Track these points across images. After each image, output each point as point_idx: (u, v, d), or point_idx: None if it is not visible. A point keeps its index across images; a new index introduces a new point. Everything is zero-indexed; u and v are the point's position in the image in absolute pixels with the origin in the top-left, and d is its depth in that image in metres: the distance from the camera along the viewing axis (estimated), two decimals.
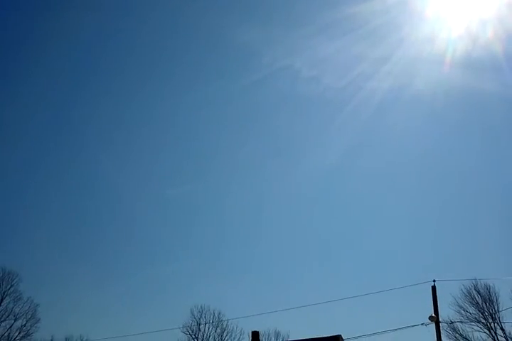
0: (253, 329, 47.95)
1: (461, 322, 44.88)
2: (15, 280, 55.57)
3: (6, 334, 53.33)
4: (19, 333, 53.86)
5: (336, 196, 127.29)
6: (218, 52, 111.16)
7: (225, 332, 64.08)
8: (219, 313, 65.27)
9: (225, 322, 64.00)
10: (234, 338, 63.14)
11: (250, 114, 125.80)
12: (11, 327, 53.73)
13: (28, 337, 54.82)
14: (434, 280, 24.64)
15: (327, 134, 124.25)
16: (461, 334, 46.39)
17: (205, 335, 64.17)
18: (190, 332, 63.95)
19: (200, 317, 64.66)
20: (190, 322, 64.12)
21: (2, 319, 53.94)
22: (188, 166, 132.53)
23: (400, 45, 67.52)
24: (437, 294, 24.38)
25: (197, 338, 63.81)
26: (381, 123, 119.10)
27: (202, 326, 64.26)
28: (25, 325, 54.32)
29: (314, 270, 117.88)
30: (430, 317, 23.75)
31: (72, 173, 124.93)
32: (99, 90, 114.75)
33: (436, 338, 23.85)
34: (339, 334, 41.72)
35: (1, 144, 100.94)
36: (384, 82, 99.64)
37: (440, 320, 23.94)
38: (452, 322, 41.88)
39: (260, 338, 48.49)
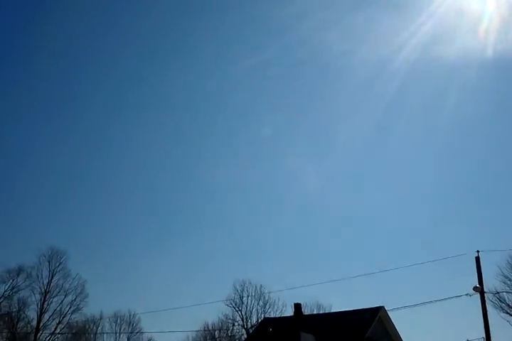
0: (295, 302, 48.57)
1: (507, 292, 44.38)
2: (63, 258, 57.65)
3: (58, 308, 55.45)
4: (70, 308, 55.98)
5: (374, 169, 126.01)
6: (254, 26, 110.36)
7: (268, 304, 65.09)
8: (261, 286, 66.33)
9: (267, 294, 64.99)
10: (276, 310, 64.10)
11: (285, 87, 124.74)
12: (62, 302, 55.84)
13: (79, 312, 57.03)
14: (477, 251, 24.23)
15: (360, 107, 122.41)
16: (507, 304, 45.92)
17: (248, 308, 65.36)
18: (234, 304, 65.26)
19: (243, 290, 65.82)
20: (233, 295, 65.36)
21: (53, 295, 56.08)
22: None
23: (431, 17, 65.47)
24: (482, 265, 24.00)
25: (240, 310, 65.10)
26: (412, 95, 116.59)
27: (245, 299, 65.43)
28: (75, 300, 56.42)
29: (356, 242, 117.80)
30: (475, 288, 23.45)
31: (125, 164, 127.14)
32: None
33: (481, 308, 23.54)
34: (382, 305, 41.78)
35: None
36: (416, 53, 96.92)
37: (485, 290, 23.59)
38: (498, 293, 41.46)
39: (302, 310, 48.96)
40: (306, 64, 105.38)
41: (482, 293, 23.51)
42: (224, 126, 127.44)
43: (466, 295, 23.47)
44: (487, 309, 23.40)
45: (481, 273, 24.03)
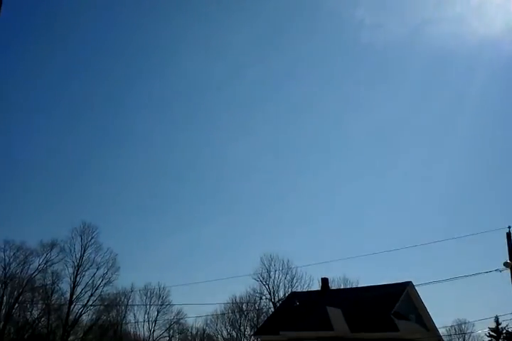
0: (322, 276, 48.77)
1: None
2: (95, 233, 58.77)
3: (90, 281, 56.77)
4: (102, 281, 57.28)
5: (404, 141, 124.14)
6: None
7: (295, 278, 65.56)
8: (288, 261, 66.75)
9: (295, 269, 65.40)
10: (303, 285, 64.59)
11: (313, 61, 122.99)
12: (94, 275, 57.12)
13: (110, 284, 58.36)
14: (509, 227, 23.77)
15: (391, 81, 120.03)
16: None
17: (275, 282, 65.96)
18: (261, 279, 65.94)
19: (270, 264, 66.34)
20: (261, 269, 65.94)
21: (86, 268, 57.37)
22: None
23: None
24: None
25: (267, 284, 65.77)
26: (444, 70, 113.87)
27: (272, 273, 65.96)
28: (106, 273, 57.69)
29: (385, 217, 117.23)
30: (505, 264, 23.05)
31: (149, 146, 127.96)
32: None
33: (511, 284, 23.20)
34: (409, 280, 41.63)
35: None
36: (448, 27, 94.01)
37: None
38: None
39: (329, 284, 49.20)
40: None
41: None
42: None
43: (496, 270, 23.10)
44: None
45: (511, 249, 23.62)
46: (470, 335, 73.17)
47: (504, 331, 59.96)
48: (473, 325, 70.32)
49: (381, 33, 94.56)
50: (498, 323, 59.59)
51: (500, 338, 60.29)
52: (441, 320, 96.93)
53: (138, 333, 70.53)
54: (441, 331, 47.72)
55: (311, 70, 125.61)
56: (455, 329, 69.45)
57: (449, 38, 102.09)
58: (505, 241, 23.76)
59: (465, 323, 67.06)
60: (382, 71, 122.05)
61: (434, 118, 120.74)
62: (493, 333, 60.57)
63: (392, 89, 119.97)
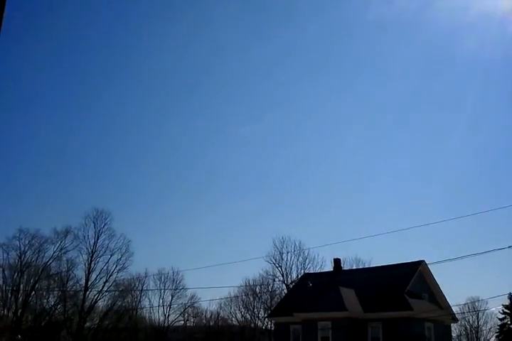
0: (335, 257, 48.85)
1: None
2: (108, 219, 58.98)
3: (104, 267, 57.19)
4: (116, 267, 57.65)
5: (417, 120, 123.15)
6: None
7: (307, 260, 65.74)
8: (300, 243, 66.89)
9: (307, 250, 65.54)
10: (316, 266, 64.76)
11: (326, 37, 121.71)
12: (108, 261, 57.51)
13: (124, 270, 58.76)
14: None
15: (399, 59, 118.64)
16: None
17: (287, 264, 66.18)
18: (274, 261, 66.16)
19: (282, 246, 66.50)
20: (273, 251, 66.14)
21: (100, 254, 57.76)
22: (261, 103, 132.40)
23: None
24: None
25: (280, 266, 66.01)
26: (452, 46, 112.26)
27: (284, 255, 66.13)
28: (120, 259, 58.00)
29: (395, 197, 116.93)
30: None
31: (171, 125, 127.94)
32: None
33: None
34: (422, 259, 41.58)
35: None
36: (457, 2, 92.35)
37: None
38: None
39: (342, 265, 49.30)
40: None
41: None
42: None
43: (509, 247, 22.98)
44: None
45: None
46: (484, 313, 73.36)
47: None
48: (487, 303, 70.46)
49: (389, 10, 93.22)
50: (511, 300, 59.66)
51: None
52: (455, 298, 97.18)
53: (153, 318, 71.41)
54: (455, 309, 47.82)
55: (315, 47, 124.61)
56: (468, 307, 69.61)
57: (459, 13, 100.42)
58: None
59: (478, 301, 67.13)
60: (389, 48, 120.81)
61: (440, 96, 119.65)
62: (506, 310, 60.69)
63: (398, 67, 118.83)
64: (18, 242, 57.64)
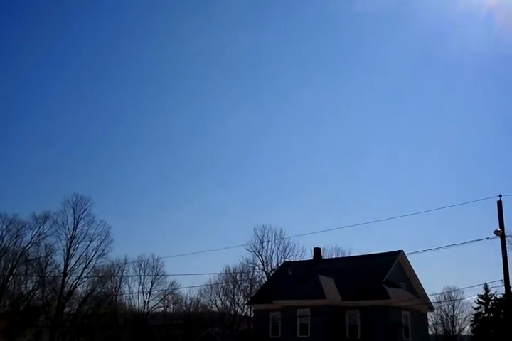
0: (315, 246, 49.23)
1: None
2: (88, 205, 58.31)
3: (83, 253, 56.77)
4: (95, 253, 57.24)
5: (404, 106, 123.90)
6: None
7: (287, 249, 66.12)
8: (280, 231, 67.21)
9: (287, 239, 65.90)
10: (296, 255, 65.17)
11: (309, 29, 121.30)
12: (87, 247, 57.08)
13: (104, 256, 58.32)
14: (500, 195, 23.89)
15: (386, 51, 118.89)
16: None
17: (268, 252, 66.49)
18: (254, 249, 66.43)
19: (263, 235, 66.77)
20: (254, 240, 66.38)
21: (79, 240, 57.28)
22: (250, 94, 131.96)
23: None
24: (504, 209, 23.73)
25: (260, 255, 66.31)
26: (441, 37, 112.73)
27: (265, 243, 66.42)
28: (100, 245, 57.54)
29: (376, 186, 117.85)
30: (495, 232, 23.26)
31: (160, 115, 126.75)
32: None
33: (501, 252, 23.49)
34: (400, 249, 42.11)
35: None
36: None
37: (506, 234, 23.43)
38: None
39: (322, 254, 49.72)
40: None
41: (503, 237, 23.36)
42: None
43: (487, 239, 23.27)
44: (507, 253, 23.27)
45: (502, 217, 23.76)
46: (459, 302, 74.77)
47: (493, 298, 61.26)
48: (463, 292, 71.75)
49: (374, 1, 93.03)
50: (487, 290, 60.92)
51: (488, 305, 61.65)
52: (432, 287, 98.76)
53: (133, 304, 71.50)
54: (431, 298, 48.64)
55: (303, 39, 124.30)
56: (444, 296, 70.83)
57: (446, 4, 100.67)
58: (496, 210, 23.94)
59: (454, 290, 68.28)
60: (376, 39, 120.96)
61: (430, 86, 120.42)
62: (482, 300, 61.90)
63: (384, 58, 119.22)
64: None
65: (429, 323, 60.96)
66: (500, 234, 23.22)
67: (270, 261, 65.98)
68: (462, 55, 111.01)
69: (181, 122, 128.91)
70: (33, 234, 57.87)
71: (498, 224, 23.49)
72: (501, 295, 54.55)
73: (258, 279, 67.83)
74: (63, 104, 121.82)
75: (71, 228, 57.20)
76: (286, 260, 59.73)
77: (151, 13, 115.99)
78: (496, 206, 23.78)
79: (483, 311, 61.91)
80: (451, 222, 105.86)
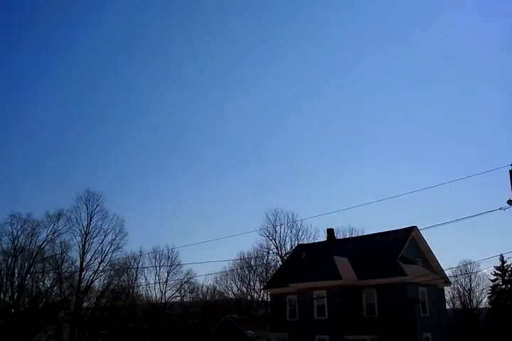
0: (328, 227, 49.08)
1: None
2: (100, 200, 58.33)
3: (99, 248, 56.97)
4: (110, 247, 57.38)
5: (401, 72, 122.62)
6: None
7: (300, 231, 66.08)
8: (293, 214, 67.14)
9: (300, 222, 65.82)
10: (309, 237, 65.13)
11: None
12: (102, 242, 57.24)
13: (119, 250, 58.51)
14: (511, 164, 23.45)
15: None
16: None
17: (281, 236, 66.51)
18: (267, 234, 66.44)
19: (276, 219, 66.72)
20: (267, 225, 66.37)
21: (93, 236, 57.43)
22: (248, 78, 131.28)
23: None
24: None
25: (274, 239, 66.33)
26: None
27: (278, 228, 66.39)
28: (114, 239, 57.65)
29: (385, 164, 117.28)
30: (509, 201, 22.85)
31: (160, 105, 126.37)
32: None
33: None
34: (414, 225, 41.85)
35: None
36: None
37: None
38: None
39: (335, 235, 49.57)
40: None
41: None
42: None
43: (500, 209, 22.86)
44: None
45: None
46: (476, 275, 74.58)
47: (509, 269, 60.99)
48: (479, 265, 71.58)
49: None
50: (503, 262, 60.61)
51: (505, 276, 61.40)
52: (447, 262, 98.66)
53: (150, 295, 71.86)
54: (447, 272, 48.46)
55: (303, 19, 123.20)
56: (461, 270, 70.58)
57: None
58: (509, 179, 23.51)
59: (470, 263, 68.10)
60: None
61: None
62: (498, 271, 61.66)
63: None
64: (10, 227, 57.25)
65: (447, 298, 60.83)
66: None
67: (284, 245, 66.06)
68: None
69: (187, 103, 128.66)
70: (48, 232, 58.14)
71: (511, 194, 23.11)
72: None
73: (273, 263, 68.00)
74: (75, 102, 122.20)
75: (85, 224, 57.37)
76: (300, 243, 59.69)
77: None
78: (509, 175, 23.40)
79: (500, 283, 61.69)
80: (464, 194, 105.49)
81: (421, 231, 41.30)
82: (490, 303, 64.28)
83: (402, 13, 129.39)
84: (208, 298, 77.43)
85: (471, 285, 77.07)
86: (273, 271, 63.30)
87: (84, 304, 57.24)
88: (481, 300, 75.86)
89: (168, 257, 69.87)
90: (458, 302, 77.94)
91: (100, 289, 59.12)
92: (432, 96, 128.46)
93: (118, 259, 61.55)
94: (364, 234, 57.63)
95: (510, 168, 23.03)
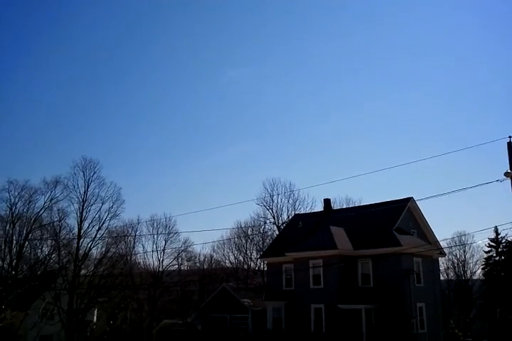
0: (325, 197, 49.19)
1: None
2: (97, 168, 57.98)
3: (96, 216, 56.99)
4: (108, 214, 57.34)
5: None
6: None
7: (297, 201, 66.19)
8: (290, 184, 67.16)
9: (297, 192, 65.86)
10: (306, 207, 65.24)
11: None
12: (99, 209, 57.21)
13: (116, 218, 58.50)
14: (510, 136, 23.25)
15: None
16: None
17: (278, 206, 66.64)
18: (265, 203, 66.56)
19: (273, 189, 66.75)
20: (264, 194, 66.43)
21: (91, 203, 57.30)
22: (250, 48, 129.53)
23: None
24: None
25: (271, 209, 66.48)
26: None
27: (275, 197, 66.45)
28: (112, 207, 57.56)
29: (383, 135, 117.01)
30: (505, 173, 22.75)
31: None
32: None
33: None
34: (410, 196, 41.96)
35: None
36: None
37: None
38: None
39: (332, 205, 49.71)
40: None
41: None
42: None
43: (497, 181, 22.74)
44: None
45: None
46: (470, 246, 75.15)
47: (503, 240, 61.46)
48: (473, 237, 72.06)
49: None
50: (497, 233, 60.96)
51: (499, 248, 61.91)
52: (443, 233, 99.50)
53: (147, 263, 72.39)
54: (442, 243, 48.89)
55: None
56: (455, 241, 71.13)
57: None
58: (506, 151, 23.35)
59: (465, 235, 68.55)
60: None
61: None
62: (492, 243, 62.14)
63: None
64: (7, 194, 57.14)
65: (441, 269, 61.50)
66: (511, 175, 22.74)
67: (281, 215, 66.23)
68: None
69: (188, 72, 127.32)
70: (45, 199, 58.03)
71: (508, 166, 22.99)
72: None
73: (270, 233, 68.35)
74: (72, 73, 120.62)
75: (82, 191, 57.12)
76: (297, 213, 59.90)
77: None
78: (506, 147, 23.23)
79: (494, 254, 62.20)
80: (461, 166, 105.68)
81: (417, 203, 41.57)
82: (483, 275, 64.95)
83: None
84: (205, 267, 78.20)
85: (465, 256, 77.77)
86: (270, 240, 63.71)
87: (82, 271, 57.65)
88: (475, 272, 76.69)
89: (166, 225, 70.13)
90: (452, 274, 78.81)
91: (98, 257, 59.52)
92: (429, 74, 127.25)
93: (116, 227, 61.76)
94: (361, 204, 57.89)
95: (508, 140, 22.97)
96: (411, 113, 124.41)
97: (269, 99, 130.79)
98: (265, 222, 67.39)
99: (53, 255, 58.64)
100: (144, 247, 71.65)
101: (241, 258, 74.07)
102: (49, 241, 59.30)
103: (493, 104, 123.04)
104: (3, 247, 56.01)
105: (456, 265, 78.50)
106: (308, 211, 60.83)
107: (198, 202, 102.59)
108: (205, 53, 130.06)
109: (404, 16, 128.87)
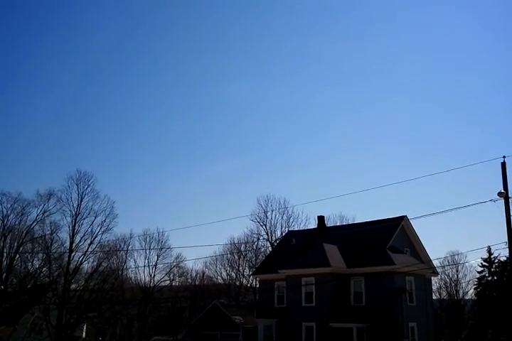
0: (319, 214, 49.14)
1: None
2: (91, 181, 57.77)
3: (89, 229, 56.61)
4: (100, 228, 56.93)
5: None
6: None
7: (291, 218, 66.08)
8: (284, 201, 67.12)
9: (291, 209, 65.78)
10: (300, 223, 65.13)
11: None
12: (92, 223, 56.84)
13: (109, 231, 58.10)
14: (504, 157, 23.49)
15: None
16: None
17: (272, 222, 66.48)
18: (258, 219, 66.41)
19: (267, 205, 66.67)
20: (258, 210, 66.30)
21: (84, 216, 56.92)
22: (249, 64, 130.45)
23: None
24: (509, 170, 23.37)
25: (265, 225, 66.31)
26: None
27: (269, 213, 66.33)
28: (105, 221, 57.18)
29: (378, 152, 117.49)
30: (499, 193, 22.95)
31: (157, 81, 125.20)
32: None
33: (505, 214, 23.22)
34: (404, 215, 41.98)
35: None
36: None
37: (510, 195, 23.09)
38: None
39: (325, 222, 49.63)
40: None
41: (507, 199, 23.02)
42: None
43: (491, 201, 22.94)
44: (511, 214, 22.92)
45: (506, 179, 23.43)
46: (463, 266, 75.10)
47: (496, 260, 61.38)
48: (466, 256, 72.00)
49: None
50: (490, 253, 60.89)
51: (492, 267, 61.81)
52: (436, 252, 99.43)
53: (139, 278, 71.82)
54: (435, 263, 48.82)
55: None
56: (448, 260, 71.05)
57: None
58: (500, 171, 23.59)
59: (458, 254, 68.58)
60: None
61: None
62: (485, 263, 62.05)
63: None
64: (0, 206, 56.94)
65: (433, 288, 61.28)
66: (504, 195, 22.90)
67: (274, 231, 66.06)
68: None
69: (182, 97, 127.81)
70: (38, 211, 57.77)
71: (502, 186, 23.18)
72: (505, 258, 54.68)
73: (263, 249, 68.07)
74: (69, 83, 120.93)
75: (75, 204, 56.79)
76: (290, 229, 59.74)
77: None
78: (500, 168, 23.46)
79: (487, 274, 62.07)
80: (455, 185, 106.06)
81: (411, 221, 41.57)
82: (476, 295, 64.73)
83: None
84: (196, 283, 77.59)
85: (458, 276, 77.69)
86: (263, 256, 63.40)
87: (73, 286, 57.09)
88: (467, 291, 76.53)
89: (159, 240, 69.82)
90: (444, 293, 78.59)
91: (89, 271, 59.02)
92: (428, 89, 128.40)
93: (108, 241, 61.33)
94: (355, 222, 57.87)
95: (502, 160, 23.19)
96: (410, 117, 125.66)
97: (270, 108, 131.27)
98: (258, 239, 67.21)
99: (44, 268, 58.08)
100: (135, 262, 71.14)
101: (233, 274, 73.64)
102: (40, 255, 58.79)
103: (495, 109, 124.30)
104: None
105: (448, 284, 78.34)
106: (302, 228, 60.74)
107: (191, 218, 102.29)
108: (206, 65, 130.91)
109: (403, 20, 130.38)
